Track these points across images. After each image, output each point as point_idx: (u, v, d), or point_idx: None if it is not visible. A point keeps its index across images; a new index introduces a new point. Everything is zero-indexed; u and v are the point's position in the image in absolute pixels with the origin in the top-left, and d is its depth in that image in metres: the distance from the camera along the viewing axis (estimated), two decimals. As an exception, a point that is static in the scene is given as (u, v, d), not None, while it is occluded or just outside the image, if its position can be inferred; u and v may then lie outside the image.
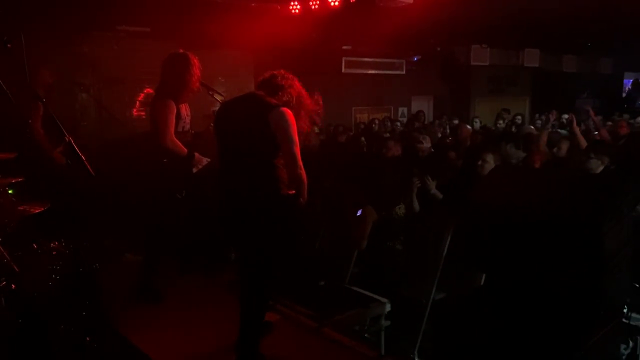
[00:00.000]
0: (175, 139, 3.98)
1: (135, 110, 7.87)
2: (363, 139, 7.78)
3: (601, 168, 4.75)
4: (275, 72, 3.24)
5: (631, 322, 3.31)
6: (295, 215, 3.13)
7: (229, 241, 4.58)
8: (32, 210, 3.23)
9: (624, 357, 3.28)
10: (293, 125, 2.99)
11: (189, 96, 4.10)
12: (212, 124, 4.49)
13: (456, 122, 10.00)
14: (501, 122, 9.80)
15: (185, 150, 4.05)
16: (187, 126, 4.18)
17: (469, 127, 8.51)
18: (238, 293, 3.29)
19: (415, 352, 3.85)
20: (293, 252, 3.42)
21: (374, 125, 9.91)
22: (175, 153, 4.00)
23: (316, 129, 7.06)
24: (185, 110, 4.14)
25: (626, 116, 10.74)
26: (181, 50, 4.07)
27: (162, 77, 4.05)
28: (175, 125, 4.00)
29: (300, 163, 3.00)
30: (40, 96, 4.47)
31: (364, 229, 4.78)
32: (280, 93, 3.15)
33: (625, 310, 3.08)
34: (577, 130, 6.48)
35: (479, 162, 4.80)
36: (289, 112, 3.00)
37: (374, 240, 4.74)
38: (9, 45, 2.89)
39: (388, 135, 8.33)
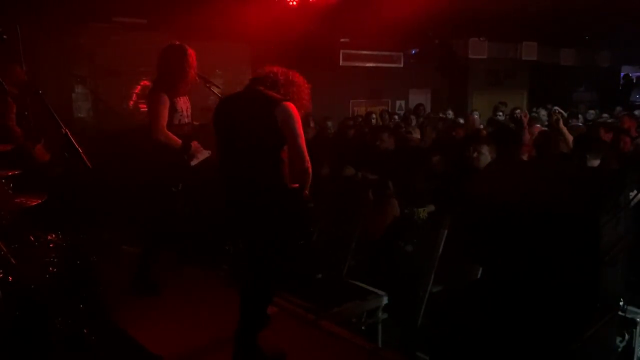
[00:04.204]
0: (167, 131, 3.96)
1: (131, 102, 7.85)
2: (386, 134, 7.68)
3: (598, 162, 4.75)
4: (274, 69, 3.21)
5: (627, 315, 3.32)
6: (301, 209, 3.12)
7: (231, 234, 4.57)
8: (29, 202, 3.23)
9: (619, 349, 3.29)
10: (298, 120, 3.01)
11: (187, 88, 4.09)
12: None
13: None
14: (500, 114, 9.78)
15: (180, 142, 4.04)
16: (185, 119, 4.15)
17: (476, 116, 8.54)
18: (236, 285, 3.29)
19: (412, 345, 3.87)
20: (300, 245, 3.39)
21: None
22: (168, 145, 3.98)
23: (311, 124, 7.04)
24: (183, 103, 4.12)
25: (619, 109, 10.72)
26: (177, 42, 4.06)
27: (158, 69, 4.04)
28: (170, 118, 3.99)
29: (307, 157, 3.02)
30: (15, 94, 4.44)
31: (383, 221, 4.72)
32: (280, 90, 3.13)
33: (621, 303, 3.08)
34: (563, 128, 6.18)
35: (474, 154, 4.77)
36: (293, 107, 3.02)
37: (386, 237, 4.70)
38: (4, 37, 2.87)
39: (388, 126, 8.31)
